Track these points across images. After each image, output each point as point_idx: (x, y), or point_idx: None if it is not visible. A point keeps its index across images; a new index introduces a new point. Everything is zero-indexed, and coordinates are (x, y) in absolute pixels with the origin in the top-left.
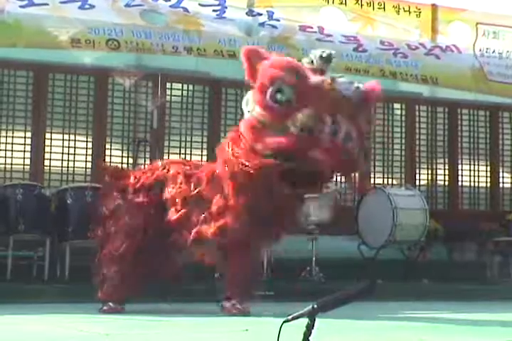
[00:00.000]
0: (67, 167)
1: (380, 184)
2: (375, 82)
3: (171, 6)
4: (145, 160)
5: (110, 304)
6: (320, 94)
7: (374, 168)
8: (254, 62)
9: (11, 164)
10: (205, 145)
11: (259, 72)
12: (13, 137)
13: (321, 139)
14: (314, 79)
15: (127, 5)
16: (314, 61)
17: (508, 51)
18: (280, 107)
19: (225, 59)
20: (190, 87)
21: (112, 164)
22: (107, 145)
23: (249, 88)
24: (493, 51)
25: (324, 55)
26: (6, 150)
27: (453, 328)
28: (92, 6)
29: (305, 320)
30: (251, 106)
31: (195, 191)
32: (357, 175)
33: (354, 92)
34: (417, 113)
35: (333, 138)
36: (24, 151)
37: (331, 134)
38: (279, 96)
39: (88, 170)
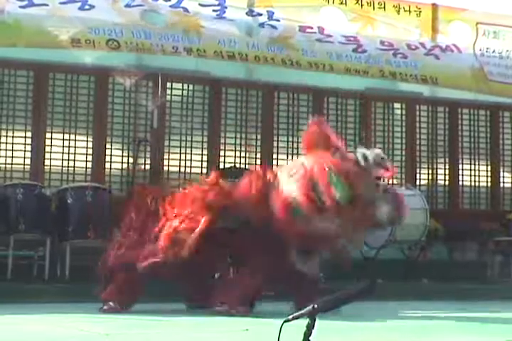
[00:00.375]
0: (68, 166)
1: None
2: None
3: (171, 6)
4: (145, 160)
5: (111, 303)
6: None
7: None
8: (316, 138)
9: (12, 164)
10: (205, 145)
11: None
12: (13, 137)
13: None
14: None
15: (127, 5)
16: (370, 159)
17: (508, 51)
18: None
19: (224, 60)
20: (191, 87)
21: (112, 163)
22: (108, 145)
23: (249, 88)
24: (493, 51)
25: (381, 156)
26: (6, 149)
27: (453, 328)
28: (92, 7)
29: (305, 320)
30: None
31: None
32: None
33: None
34: (417, 112)
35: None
36: (24, 151)
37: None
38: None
39: (88, 170)
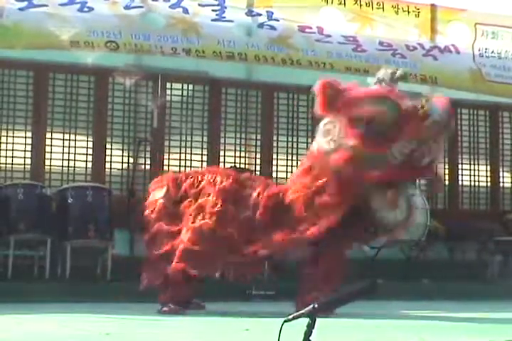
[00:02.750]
0: (68, 166)
1: None
2: (444, 99)
3: (170, 7)
4: (145, 160)
5: (170, 305)
6: (415, 124)
7: None
8: (330, 95)
9: (12, 164)
10: (205, 145)
11: (347, 104)
12: (13, 137)
13: (419, 167)
14: (409, 107)
15: (126, 7)
16: (386, 79)
17: (506, 51)
18: (378, 139)
19: (224, 61)
20: (190, 87)
21: (112, 163)
22: (108, 145)
23: (249, 89)
24: (492, 51)
25: (398, 74)
26: (6, 149)
27: (453, 327)
28: (91, 9)
29: (306, 320)
30: (335, 137)
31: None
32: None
33: (442, 116)
34: None
35: (426, 165)
36: (25, 151)
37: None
38: (376, 128)
39: (89, 170)
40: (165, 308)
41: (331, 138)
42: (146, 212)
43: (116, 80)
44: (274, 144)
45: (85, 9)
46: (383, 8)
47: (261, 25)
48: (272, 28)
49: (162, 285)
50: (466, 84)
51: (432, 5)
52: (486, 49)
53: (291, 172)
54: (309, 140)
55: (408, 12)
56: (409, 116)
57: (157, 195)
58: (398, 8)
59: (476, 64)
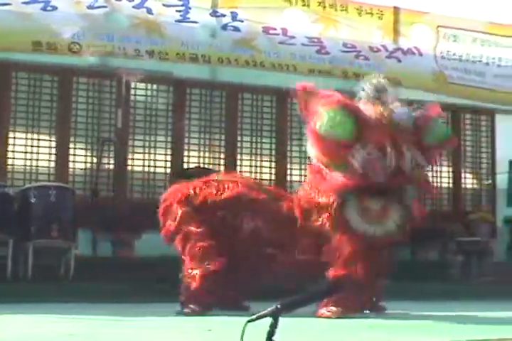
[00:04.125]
0: (31, 166)
1: None
2: (434, 105)
3: (134, 7)
4: (109, 160)
5: (191, 306)
6: (378, 129)
7: None
8: (307, 99)
9: None
10: (169, 145)
11: (314, 113)
12: None
13: (385, 173)
14: (370, 114)
15: (90, 6)
16: (369, 92)
17: (467, 54)
18: (338, 146)
19: (187, 63)
20: (154, 87)
21: (75, 163)
22: (71, 145)
23: (213, 89)
24: (454, 54)
25: (378, 85)
26: None
27: (415, 327)
28: (54, 8)
29: (269, 320)
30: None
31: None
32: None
33: (409, 120)
34: None
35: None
36: None
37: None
38: (335, 134)
39: (52, 170)
40: (186, 310)
41: None
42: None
43: (80, 80)
44: (239, 144)
45: (49, 8)
46: (347, 9)
47: (225, 27)
48: (236, 29)
49: (184, 285)
50: (429, 86)
51: (395, 7)
52: (447, 51)
53: (255, 172)
54: (273, 140)
55: (371, 14)
56: (366, 122)
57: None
58: (362, 10)
59: (438, 66)
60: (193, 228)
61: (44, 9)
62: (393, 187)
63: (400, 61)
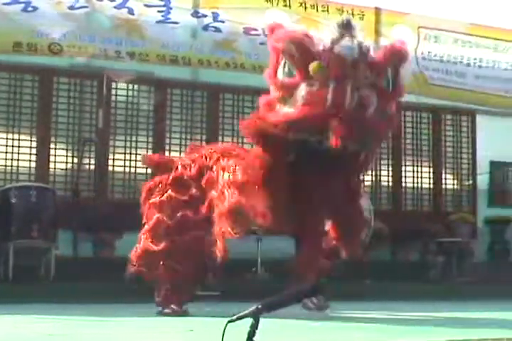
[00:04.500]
0: (11, 166)
1: None
2: (398, 41)
3: (115, 7)
4: (90, 160)
5: (172, 306)
6: (325, 63)
7: None
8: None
9: None
10: (150, 146)
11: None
12: None
13: (330, 109)
14: (314, 48)
15: (71, 7)
16: (334, 31)
17: (448, 55)
18: (285, 81)
19: (167, 65)
20: (136, 87)
21: (56, 163)
22: (52, 145)
23: (195, 89)
24: (435, 55)
25: (342, 22)
26: None
27: (395, 327)
28: (35, 8)
29: (249, 320)
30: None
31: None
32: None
33: (360, 54)
34: None
35: (345, 108)
36: None
37: (341, 103)
38: (283, 70)
39: (32, 170)
40: (166, 310)
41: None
42: None
43: (61, 79)
44: (220, 144)
45: (29, 8)
46: (328, 10)
47: (206, 28)
48: (217, 30)
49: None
50: (409, 87)
51: (376, 8)
52: (428, 52)
53: None
54: None
55: (353, 15)
56: (315, 57)
57: None
58: (343, 11)
59: (419, 67)
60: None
61: (25, 10)
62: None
63: None
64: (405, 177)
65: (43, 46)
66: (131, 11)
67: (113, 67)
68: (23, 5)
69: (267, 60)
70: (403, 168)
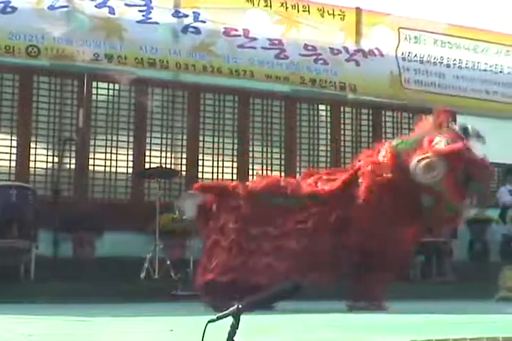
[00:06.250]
0: None
1: None
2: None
3: (96, 6)
4: (70, 160)
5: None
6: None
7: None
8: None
9: None
10: (131, 145)
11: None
12: None
13: None
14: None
15: (51, 7)
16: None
17: (429, 55)
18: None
19: (145, 68)
20: (116, 86)
21: (36, 163)
22: (32, 144)
23: (175, 89)
24: (415, 56)
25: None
26: None
27: (375, 327)
28: (14, 9)
29: (230, 320)
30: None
31: None
32: None
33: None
34: (341, 114)
35: None
36: None
37: None
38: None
39: (13, 169)
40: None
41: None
42: None
43: (41, 79)
44: (200, 144)
45: (8, 9)
46: (309, 10)
47: (185, 30)
48: (197, 31)
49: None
50: (385, 92)
51: (357, 8)
52: (409, 53)
53: (217, 172)
54: (235, 140)
55: (333, 15)
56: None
57: None
58: (324, 11)
59: (399, 68)
60: None
61: (3, 11)
62: None
63: (358, 65)
64: None
65: (21, 49)
66: (111, 11)
67: (93, 66)
68: (1, 5)
69: (244, 64)
70: None
